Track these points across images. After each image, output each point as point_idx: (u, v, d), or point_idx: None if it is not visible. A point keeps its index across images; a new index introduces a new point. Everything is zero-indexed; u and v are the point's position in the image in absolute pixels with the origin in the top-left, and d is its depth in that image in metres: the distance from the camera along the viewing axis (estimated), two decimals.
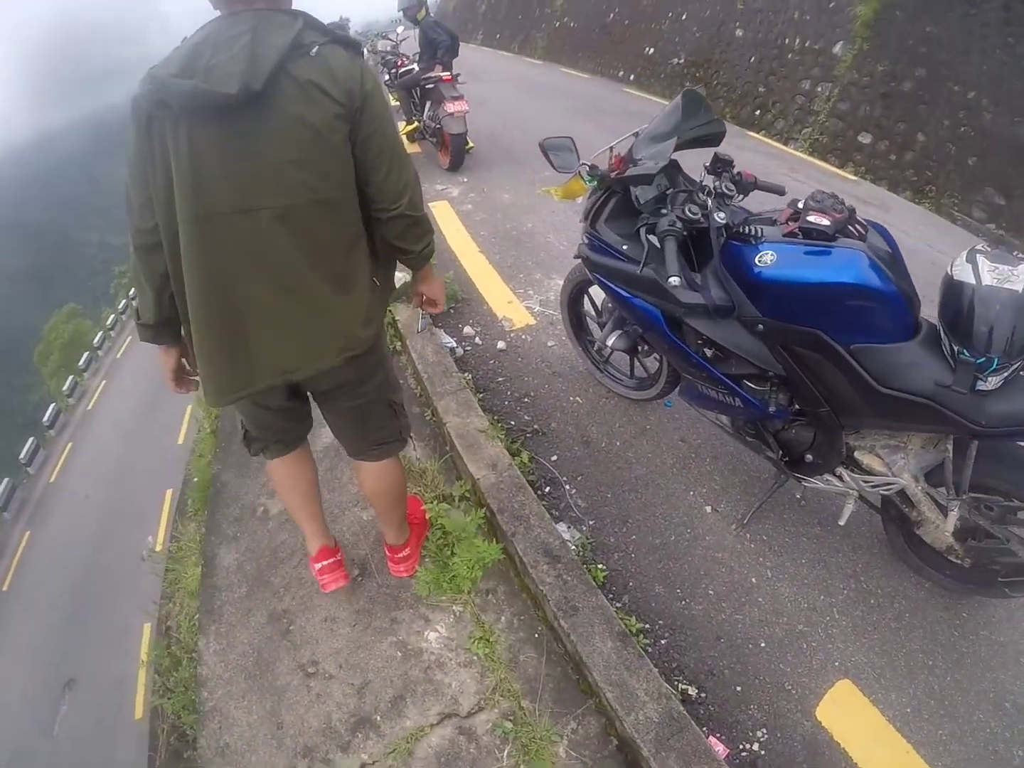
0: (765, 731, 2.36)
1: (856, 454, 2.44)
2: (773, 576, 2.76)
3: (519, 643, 2.50)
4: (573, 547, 2.74)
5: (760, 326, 2.25)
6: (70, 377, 39.08)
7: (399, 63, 8.21)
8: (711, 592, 2.70)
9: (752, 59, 10.34)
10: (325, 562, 2.45)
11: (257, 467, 3.31)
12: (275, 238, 1.60)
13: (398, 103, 8.16)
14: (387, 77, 8.54)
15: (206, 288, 1.64)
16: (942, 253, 5.76)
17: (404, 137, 8.08)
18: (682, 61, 12.18)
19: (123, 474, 24.87)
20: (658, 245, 2.19)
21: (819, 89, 9.03)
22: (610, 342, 2.97)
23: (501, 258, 4.77)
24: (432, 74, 6.92)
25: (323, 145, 1.57)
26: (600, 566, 2.74)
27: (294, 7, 1.66)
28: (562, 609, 2.42)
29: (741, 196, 2.45)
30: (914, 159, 7.69)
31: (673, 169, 2.55)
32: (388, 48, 8.87)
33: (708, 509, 3.00)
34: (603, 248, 2.63)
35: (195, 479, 3.97)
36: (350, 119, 1.59)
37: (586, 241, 2.74)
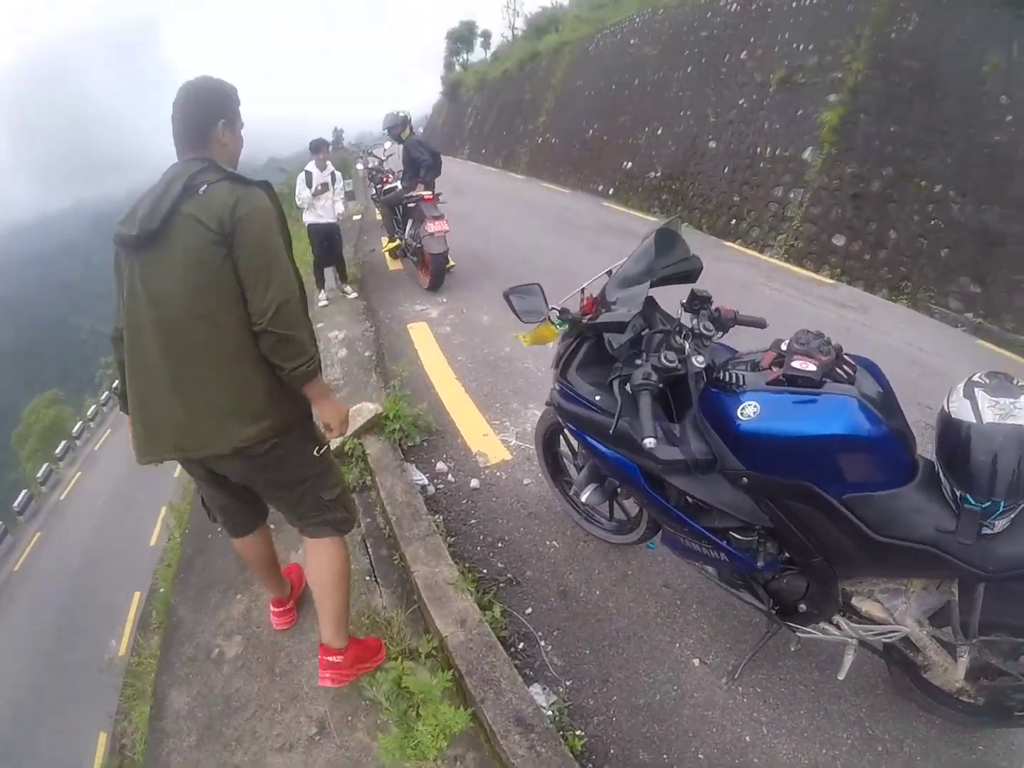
0: None
1: (853, 601, 2.32)
2: (769, 732, 2.57)
3: None
4: (549, 712, 2.56)
5: (744, 479, 2.14)
6: (45, 464, 39.57)
7: (384, 179, 8.48)
8: (701, 756, 2.49)
9: (726, 169, 10.88)
10: (275, 608, 2.94)
11: (215, 603, 3.21)
12: (173, 342, 2.00)
13: (382, 219, 8.38)
14: (373, 192, 8.82)
15: (132, 375, 2.11)
16: (923, 351, 5.86)
17: (387, 254, 8.27)
18: (659, 174, 12.77)
19: (92, 570, 24.99)
20: (632, 398, 2.12)
21: (791, 195, 9.43)
22: (585, 497, 2.83)
23: (478, 386, 4.72)
24: (414, 193, 7.11)
25: (205, 268, 1.94)
26: (578, 732, 2.54)
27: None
28: None
29: (720, 334, 2.38)
30: (888, 256, 7.98)
31: (649, 307, 2.50)
32: (375, 164, 9.19)
33: (696, 662, 2.81)
34: (575, 398, 2.53)
35: (161, 589, 3.93)
36: (226, 243, 1.94)
37: (557, 388, 2.64)
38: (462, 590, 2.92)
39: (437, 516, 3.45)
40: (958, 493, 1.86)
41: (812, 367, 2.02)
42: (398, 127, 7.48)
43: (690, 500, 2.37)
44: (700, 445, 2.20)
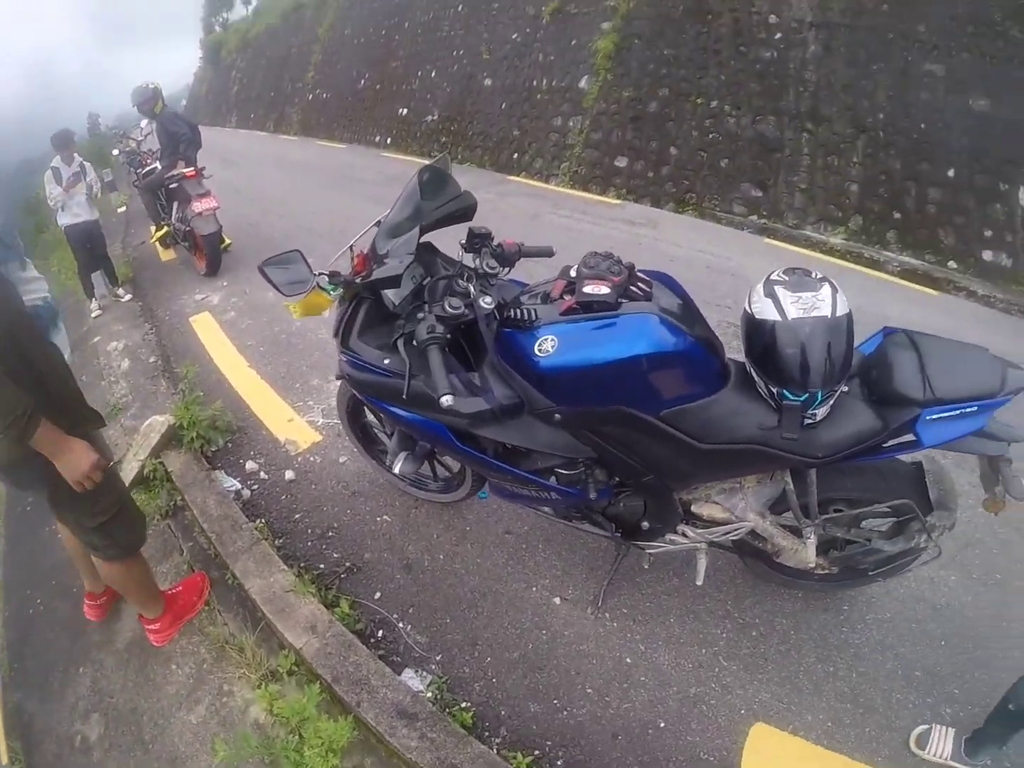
0: None
1: (693, 508, 2.36)
2: (647, 648, 2.61)
3: None
4: (428, 694, 2.46)
5: (557, 416, 2.07)
6: None
7: (143, 162, 7.63)
8: (590, 690, 2.49)
9: (503, 105, 10.98)
10: (88, 601, 2.94)
11: (60, 685, 2.87)
12: None
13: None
14: (134, 177, 7.94)
15: None
16: (715, 256, 6.20)
17: (156, 244, 7.56)
18: (436, 117, 12.68)
19: None
20: (421, 354, 1.95)
21: (571, 123, 9.69)
22: (398, 468, 2.65)
23: (273, 369, 4.40)
24: (175, 172, 6.47)
25: None
26: (464, 705, 2.46)
27: None
28: None
29: (507, 269, 2.28)
30: (671, 172, 8.45)
31: (427, 254, 2.35)
32: (131, 147, 8.24)
33: (557, 601, 2.79)
34: (364, 366, 2.33)
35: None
36: None
37: (344, 359, 2.41)
38: (303, 594, 2.73)
39: (258, 521, 3.19)
40: (774, 390, 1.90)
41: (605, 289, 1.98)
42: (148, 101, 6.64)
43: (508, 447, 2.29)
44: (503, 390, 2.11)
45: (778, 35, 7.97)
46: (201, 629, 2.83)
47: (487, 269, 2.14)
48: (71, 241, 6.21)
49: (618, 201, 8.53)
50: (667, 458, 2.10)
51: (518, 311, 2.03)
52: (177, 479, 3.46)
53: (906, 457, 2.29)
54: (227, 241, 6.90)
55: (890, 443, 2.04)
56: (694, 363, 1.98)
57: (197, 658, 2.75)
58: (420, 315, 2.05)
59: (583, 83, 9.61)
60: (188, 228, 6.53)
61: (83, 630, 3.01)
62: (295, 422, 3.81)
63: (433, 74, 13.16)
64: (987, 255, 6.82)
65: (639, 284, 2.07)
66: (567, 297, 2.06)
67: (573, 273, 2.09)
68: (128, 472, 3.49)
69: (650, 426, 2.01)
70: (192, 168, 6.46)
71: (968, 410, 1.90)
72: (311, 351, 4.67)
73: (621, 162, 8.87)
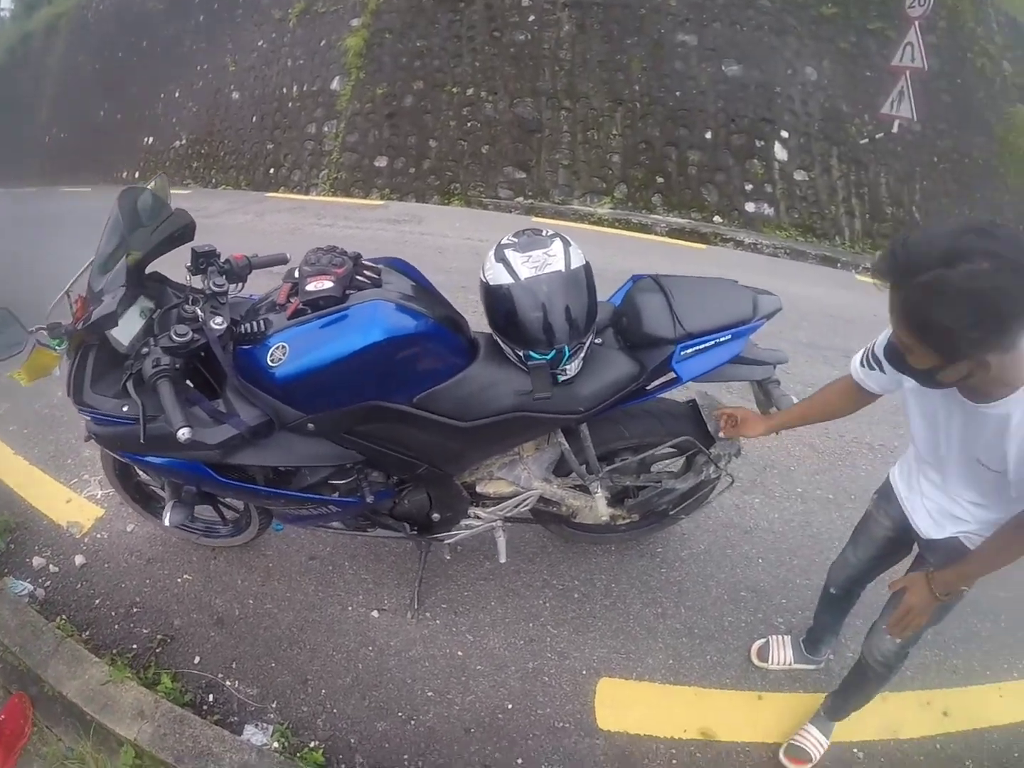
0: None
1: (479, 488, 2.40)
2: (475, 637, 2.67)
3: None
4: (275, 744, 2.40)
5: (310, 425, 2.02)
6: None
7: None
8: (430, 693, 2.52)
9: (254, 118, 10.56)
10: None
11: None
12: None
13: None
14: None
15: None
16: (483, 241, 6.18)
17: None
18: (184, 142, 11.99)
19: None
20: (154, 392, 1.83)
21: (326, 128, 9.48)
22: (167, 519, 2.41)
23: (41, 450, 4.03)
24: None
25: None
26: (312, 744, 2.41)
27: None
28: None
29: (239, 286, 2.18)
30: (432, 165, 8.52)
31: (155, 284, 2.22)
32: None
33: (375, 614, 2.78)
34: (104, 420, 2.15)
35: None
36: None
37: (85, 417, 2.23)
38: (121, 681, 2.57)
39: (59, 619, 2.94)
40: (521, 353, 1.94)
41: (329, 284, 1.94)
42: None
43: (278, 470, 2.23)
44: (249, 411, 2.02)
45: (531, 17, 8.23)
46: (37, 753, 2.59)
47: (215, 288, 2.00)
48: None
49: (381, 202, 8.48)
50: (434, 444, 2.10)
51: (248, 325, 1.95)
52: None
53: (680, 397, 2.44)
54: None
55: (652, 385, 2.14)
56: (435, 342, 1.99)
57: None
58: (146, 350, 1.92)
59: (335, 84, 9.46)
60: None
61: None
62: (74, 502, 3.54)
63: (177, 94, 12.49)
64: (750, 207, 7.47)
65: (366, 273, 2.06)
66: (293, 300, 2.01)
67: (297, 274, 2.05)
68: None
69: (406, 415, 2.00)
70: None
71: (722, 339, 2.03)
72: (78, 421, 4.14)
73: (381, 162, 8.85)
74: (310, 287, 1.94)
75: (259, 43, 10.95)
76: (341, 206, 8.48)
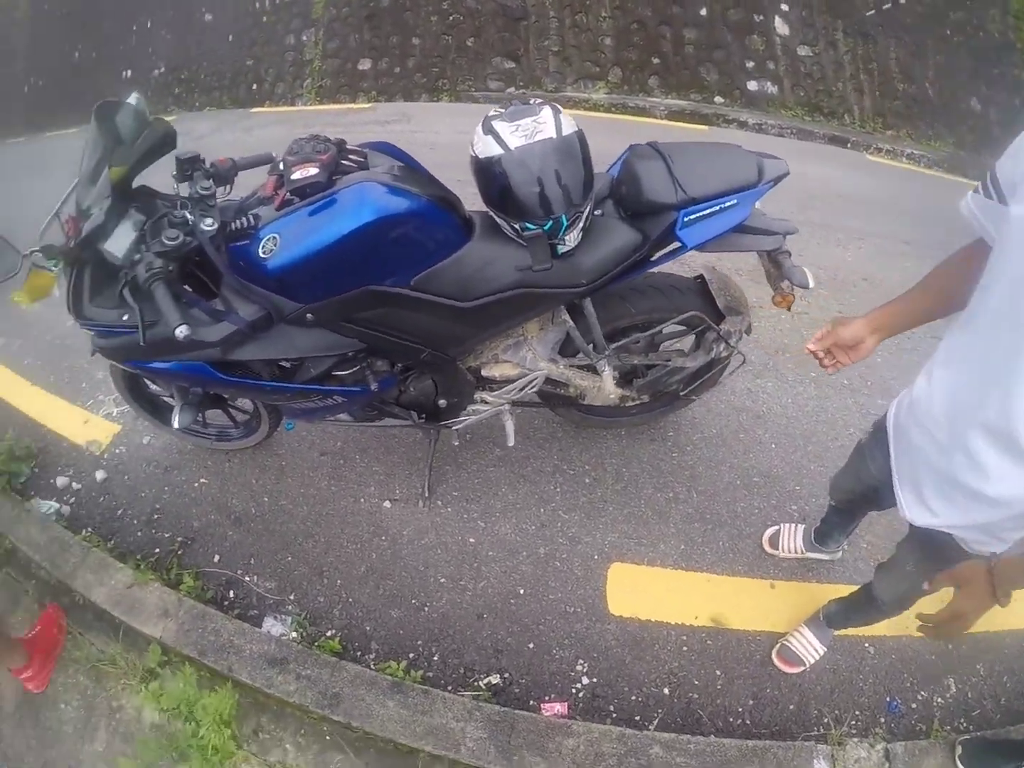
0: (582, 661, 2.38)
1: (484, 372, 2.39)
2: (487, 524, 2.73)
3: (319, 756, 2.32)
4: (294, 634, 2.51)
5: (309, 316, 2.03)
6: None
7: None
8: (443, 580, 2.60)
9: (230, 38, 10.25)
10: (21, 676, 2.68)
11: None
12: None
13: None
14: None
15: None
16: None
17: None
18: (163, 70, 11.67)
19: None
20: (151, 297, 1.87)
21: (305, 38, 9.23)
22: (176, 423, 2.53)
23: (57, 378, 4.16)
24: None
25: None
26: (329, 633, 2.53)
27: None
28: (325, 706, 2.26)
29: (226, 188, 2.17)
30: (418, 63, 8.24)
31: (145, 197, 2.20)
32: None
33: (387, 504, 2.86)
34: (106, 331, 2.20)
35: None
36: None
37: (90, 331, 2.28)
38: (145, 583, 2.69)
39: (84, 531, 3.09)
40: (517, 226, 1.92)
41: (314, 171, 1.92)
42: None
43: (283, 364, 2.27)
44: (248, 306, 2.04)
45: None
46: (72, 658, 2.76)
47: (201, 191, 1.99)
48: None
49: (369, 105, 8.27)
50: (435, 327, 2.11)
51: (237, 221, 1.96)
52: None
53: (687, 273, 2.41)
54: None
55: (657, 255, 2.11)
56: (428, 221, 1.96)
57: (79, 688, 2.70)
58: (138, 257, 1.95)
59: None
60: None
61: None
62: (91, 422, 3.65)
63: (149, 24, 12.03)
64: (752, 85, 7.18)
65: (351, 157, 2.04)
66: (280, 192, 2.00)
67: (281, 166, 2.03)
68: None
69: (405, 298, 2.00)
70: None
71: (728, 203, 1.97)
72: (88, 346, 4.36)
73: (365, 65, 8.59)
74: (295, 175, 1.92)
75: None
76: (329, 113, 8.29)
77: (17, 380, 4.33)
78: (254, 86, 9.87)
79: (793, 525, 2.55)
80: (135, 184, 2.13)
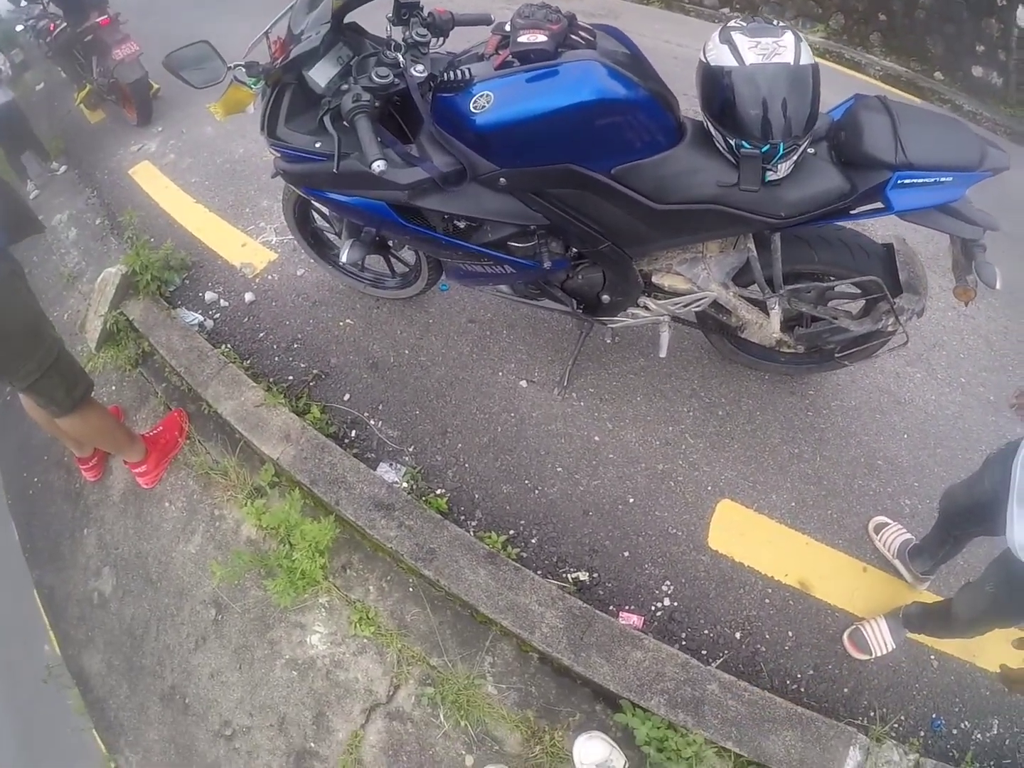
0: (668, 583, 2.41)
1: (654, 279, 2.36)
2: (614, 427, 2.74)
3: (398, 605, 2.45)
4: (405, 484, 2.61)
5: (502, 180, 2.04)
6: None
7: (51, 27, 7.18)
8: (559, 469, 2.64)
9: None
10: (81, 466, 3.09)
11: (70, 552, 3.11)
12: None
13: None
14: (46, 49, 7.48)
15: None
16: (683, 46, 5.83)
17: (82, 107, 7.20)
18: None
19: None
20: (352, 129, 1.89)
21: None
22: (344, 256, 2.61)
23: (221, 200, 4.34)
24: (87, 23, 6.08)
25: None
26: (438, 492, 2.62)
27: None
28: (419, 558, 2.35)
29: (440, 40, 2.18)
30: None
31: (354, 35, 2.25)
32: (36, 13, 7.71)
33: (523, 384, 2.91)
34: (295, 155, 2.26)
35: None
36: None
37: (276, 153, 2.34)
38: (274, 406, 2.83)
39: (224, 346, 3.25)
40: (733, 143, 1.86)
41: (542, 38, 1.90)
42: None
43: (458, 223, 2.28)
44: (443, 158, 2.05)
45: None
46: (186, 462, 2.96)
47: (417, 38, 2.01)
48: None
49: None
50: (622, 221, 2.09)
51: (451, 72, 1.96)
52: (140, 325, 3.48)
53: (878, 238, 2.31)
54: (155, 86, 6.51)
55: (858, 209, 2.03)
56: (645, 115, 1.93)
57: (187, 491, 2.91)
58: (345, 87, 1.98)
59: None
60: (112, 80, 6.13)
61: (80, 494, 3.17)
62: (249, 246, 3.80)
63: None
64: (977, 71, 6.62)
65: (581, 33, 2.00)
66: (502, 52, 2.00)
67: (507, 28, 2.01)
68: (92, 331, 3.54)
69: (602, 185, 1.99)
70: (105, 15, 6.10)
71: (943, 179, 1.87)
72: (257, 175, 4.57)
73: None
74: (522, 39, 1.92)
75: None
76: None
77: (182, 196, 4.55)
78: None
79: (900, 527, 2.46)
80: (346, 20, 2.16)
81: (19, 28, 8.00)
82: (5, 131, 6.02)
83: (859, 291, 2.37)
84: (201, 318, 3.48)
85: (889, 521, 2.47)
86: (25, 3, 7.43)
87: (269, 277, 3.58)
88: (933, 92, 6.38)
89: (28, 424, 3.20)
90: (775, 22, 1.87)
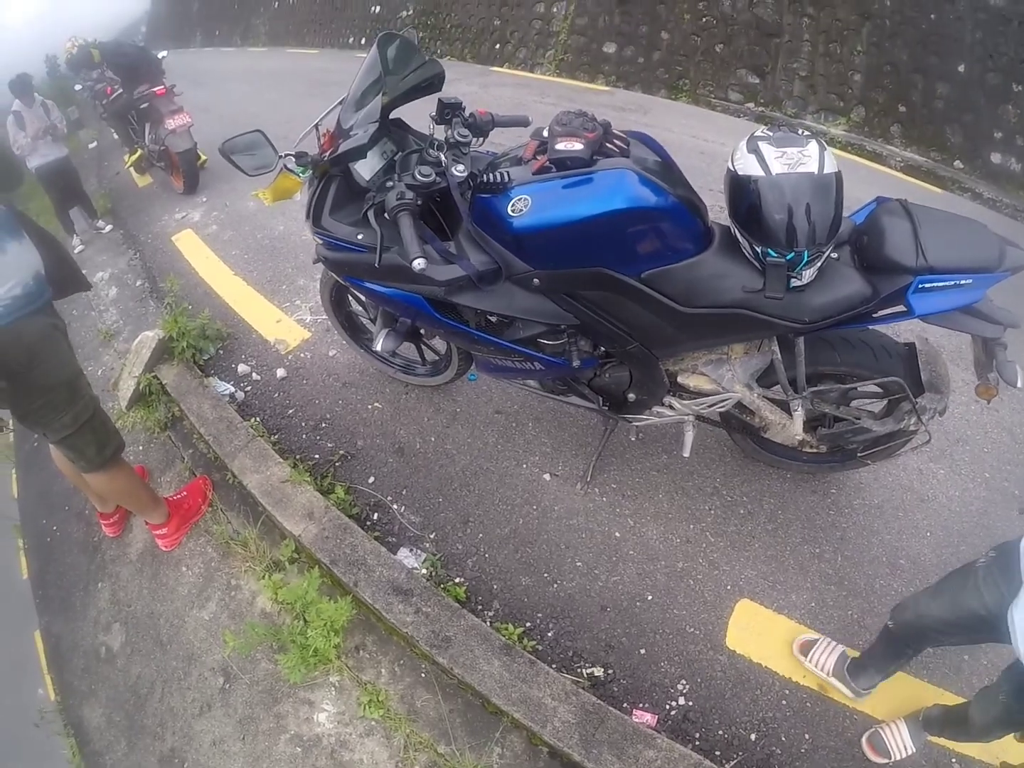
0: (684, 681, 2.37)
1: (680, 379, 2.40)
2: (635, 523, 2.75)
3: (409, 690, 2.42)
4: (424, 571, 2.62)
5: (536, 280, 2.10)
6: None
7: (108, 90, 7.50)
8: (579, 563, 2.64)
9: None
10: (103, 521, 3.14)
11: (81, 604, 3.14)
12: None
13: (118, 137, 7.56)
14: (101, 109, 7.81)
15: None
16: (709, 141, 6.04)
17: (131, 170, 7.48)
18: (411, 12, 12.14)
19: None
20: (393, 224, 1.97)
21: (555, 10, 9.32)
22: (379, 345, 2.67)
23: (259, 275, 4.48)
24: (144, 91, 6.36)
25: None
26: (457, 580, 2.63)
27: None
28: (434, 645, 2.34)
29: (480, 140, 2.27)
30: (663, 58, 8.13)
31: (399, 130, 2.37)
32: (94, 77, 8.07)
33: (547, 477, 2.93)
34: (338, 244, 2.36)
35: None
36: None
37: (319, 241, 2.44)
38: (300, 483, 2.87)
39: (253, 419, 3.31)
40: (759, 250, 1.90)
41: (579, 146, 1.97)
42: (84, 61, 7.24)
43: (491, 318, 2.34)
44: (480, 257, 2.13)
45: None
46: (207, 529, 3.00)
47: (459, 138, 2.12)
48: (43, 181, 6.23)
49: (607, 88, 8.31)
50: (650, 324, 2.13)
51: (491, 175, 2.03)
52: (172, 390, 3.57)
53: (899, 339, 2.33)
54: (203, 157, 6.78)
55: (880, 313, 2.05)
56: (675, 221, 1.98)
57: (205, 557, 2.94)
58: (390, 184, 2.07)
59: None
60: (163, 147, 6.41)
61: (98, 547, 3.22)
62: (283, 322, 3.90)
63: None
64: (995, 158, 6.70)
65: (615, 141, 2.07)
66: (540, 157, 2.07)
67: (545, 133, 2.09)
68: (125, 390, 3.64)
69: (631, 289, 2.03)
70: (161, 85, 6.37)
71: (963, 282, 1.90)
72: (297, 252, 4.72)
73: (610, 48, 8.59)
74: (560, 146, 1.98)
75: None
76: (566, 87, 8.42)
77: (222, 267, 4.69)
78: (497, 46, 10.11)
79: (829, 641, 2.39)
80: (392, 116, 2.26)
81: (78, 87, 8.39)
82: (58, 185, 6.28)
83: (881, 391, 2.37)
84: (233, 389, 3.56)
85: (816, 636, 2.41)
86: (83, 75, 7.85)
87: (301, 355, 3.67)
88: (953, 181, 6.45)
89: (52, 472, 3.27)
90: (800, 131, 1.90)
